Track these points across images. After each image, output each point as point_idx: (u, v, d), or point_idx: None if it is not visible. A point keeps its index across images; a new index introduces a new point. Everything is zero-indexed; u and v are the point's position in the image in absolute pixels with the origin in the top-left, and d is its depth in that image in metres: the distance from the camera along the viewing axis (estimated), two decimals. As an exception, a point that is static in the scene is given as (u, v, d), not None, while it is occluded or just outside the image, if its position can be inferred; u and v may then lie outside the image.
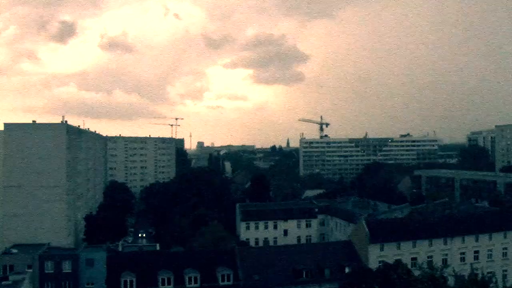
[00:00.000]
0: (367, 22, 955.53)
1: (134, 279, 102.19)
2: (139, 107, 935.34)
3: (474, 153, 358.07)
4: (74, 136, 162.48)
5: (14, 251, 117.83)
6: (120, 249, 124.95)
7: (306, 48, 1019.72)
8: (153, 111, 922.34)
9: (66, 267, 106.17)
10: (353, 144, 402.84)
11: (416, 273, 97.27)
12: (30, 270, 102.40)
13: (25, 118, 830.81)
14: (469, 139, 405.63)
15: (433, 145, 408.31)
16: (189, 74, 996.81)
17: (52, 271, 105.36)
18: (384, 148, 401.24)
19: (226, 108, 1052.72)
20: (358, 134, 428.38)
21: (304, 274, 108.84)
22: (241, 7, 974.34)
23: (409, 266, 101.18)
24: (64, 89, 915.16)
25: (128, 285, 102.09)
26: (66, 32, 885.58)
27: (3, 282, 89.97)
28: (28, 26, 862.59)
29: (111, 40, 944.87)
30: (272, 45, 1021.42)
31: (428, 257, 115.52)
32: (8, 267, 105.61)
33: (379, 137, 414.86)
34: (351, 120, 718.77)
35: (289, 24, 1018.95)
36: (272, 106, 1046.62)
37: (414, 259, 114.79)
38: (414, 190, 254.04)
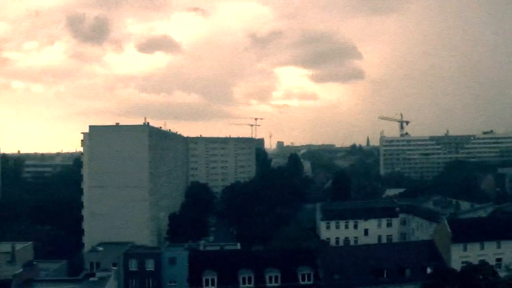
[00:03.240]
0: (438, 15, 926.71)
1: (215, 278, 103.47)
2: (205, 108, 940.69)
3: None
4: (156, 137, 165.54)
5: (100, 249, 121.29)
6: (201, 248, 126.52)
7: (372, 45, 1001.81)
8: (219, 112, 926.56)
9: (150, 265, 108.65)
10: (434, 142, 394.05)
11: (502, 274, 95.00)
12: (115, 268, 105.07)
13: (92, 121, 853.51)
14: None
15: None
16: (253, 73, 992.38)
17: (136, 269, 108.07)
18: (466, 146, 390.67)
19: (294, 107, 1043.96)
20: (439, 132, 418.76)
21: (384, 274, 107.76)
22: (307, 5, 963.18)
23: (494, 267, 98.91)
24: (125, 91, 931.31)
25: (210, 284, 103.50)
26: (124, 35, 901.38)
27: (90, 279, 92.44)
28: (82, 28, 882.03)
29: (170, 42, 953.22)
30: (334, 43, 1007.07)
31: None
32: (94, 264, 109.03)
33: (461, 134, 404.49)
34: (431, 118, 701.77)
35: (355, 21, 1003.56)
36: (343, 104, 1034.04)
37: (498, 260, 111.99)
38: (498, 189, 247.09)
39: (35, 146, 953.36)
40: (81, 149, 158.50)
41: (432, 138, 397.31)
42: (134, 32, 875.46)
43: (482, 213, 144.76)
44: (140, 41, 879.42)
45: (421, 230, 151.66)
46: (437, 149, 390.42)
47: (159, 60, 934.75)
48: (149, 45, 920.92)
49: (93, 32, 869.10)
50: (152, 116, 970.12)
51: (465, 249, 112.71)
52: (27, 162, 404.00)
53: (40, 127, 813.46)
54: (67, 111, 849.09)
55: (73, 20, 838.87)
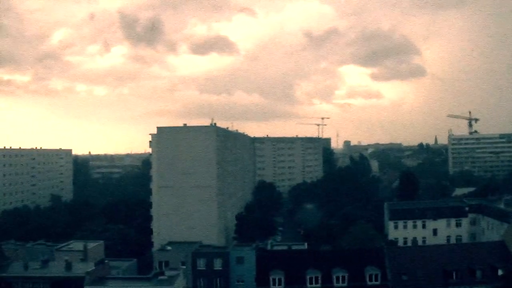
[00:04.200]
0: (505, 10, 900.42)
1: (282, 277, 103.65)
2: (268, 108, 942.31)
3: None
4: (223, 137, 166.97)
5: (169, 248, 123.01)
6: (269, 247, 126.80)
7: (437, 42, 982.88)
8: (282, 112, 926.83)
9: (217, 264, 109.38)
10: (504, 140, 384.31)
11: None
12: (184, 267, 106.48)
13: (155, 122, 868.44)
14: None
15: None
16: (314, 73, 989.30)
17: (204, 268, 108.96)
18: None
19: (358, 106, 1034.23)
20: (509, 129, 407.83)
21: (454, 276, 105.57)
22: (368, 2, 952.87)
23: None
24: (186, 92, 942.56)
25: (277, 283, 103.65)
26: (183, 36, 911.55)
27: (159, 277, 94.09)
28: (141, 31, 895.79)
29: (229, 43, 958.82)
30: (396, 40, 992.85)
31: None
32: (163, 263, 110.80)
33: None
34: (501, 115, 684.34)
35: (419, 18, 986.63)
36: (408, 103, 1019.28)
37: None
38: None
39: (105, 147, 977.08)
40: (149, 150, 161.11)
41: (502, 136, 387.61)
42: (193, 34, 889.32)
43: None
44: (199, 42, 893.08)
45: (492, 231, 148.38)
46: (508, 147, 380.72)
47: (219, 62, 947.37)
48: (208, 47, 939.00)
49: (152, 35, 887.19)
50: (214, 116, 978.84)
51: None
52: (97, 163, 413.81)
53: (107, 129, 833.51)
54: (131, 113, 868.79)
55: (131, 23, 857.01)
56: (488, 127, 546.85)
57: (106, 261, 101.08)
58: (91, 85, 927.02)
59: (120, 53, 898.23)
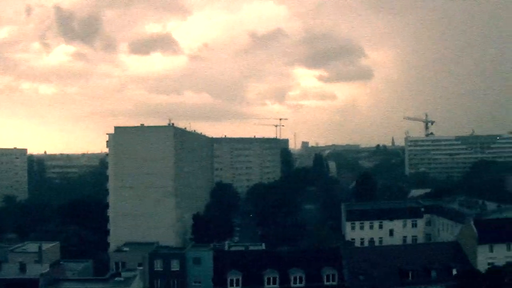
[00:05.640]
0: (462, 12, 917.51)
1: (240, 278, 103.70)
2: (219, 109, 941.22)
3: None
4: (181, 137, 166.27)
5: (126, 249, 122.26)
6: (226, 248, 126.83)
7: (389, 44, 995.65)
8: (234, 113, 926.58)
9: (175, 265, 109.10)
10: (459, 142, 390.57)
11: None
12: (141, 268, 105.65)
13: (105, 122, 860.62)
14: None
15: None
16: (266, 74, 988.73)
17: (161, 269, 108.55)
18: (492, 146, 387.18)
19: (311, 108, 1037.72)
20: (464, 132, 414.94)
21: (410, 275, 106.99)
22: (319, 6, 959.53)
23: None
24: (136, 92, 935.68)
25: (234, 284, 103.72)
26: (144, 38, 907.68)
27: (116, 278, 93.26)
28: (89, 29, 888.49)
29: (177, 43, 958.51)
30: (348, 43, 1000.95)
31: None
32: (120, 264, 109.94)
33: (487, 134, 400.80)
34: (457, 118, 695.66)
35: (371, 21, 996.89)
36: (363, 105, 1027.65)
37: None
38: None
39: (61, 147, 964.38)
40: (106, 149, 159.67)
41: (457, 138, 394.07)
42: (141, 33, 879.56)
43: (509, 214, 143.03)
44: (147, 42, 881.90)
45: (447, 231, 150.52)
46: (463, 149, 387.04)
47: (168, 61, 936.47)
48: (156, 46, 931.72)
49: (97, 33, 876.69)
50: (164, 116, 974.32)
51: (491, 250, 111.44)
52: (53, 163, 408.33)
53: (62, 128, 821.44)
54: (82, 112, 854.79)
55: (68, 21, 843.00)
56: (444, 129, 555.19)
57: (61, 262, 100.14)
58: (36, 83, 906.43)
59: (64, 51, 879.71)
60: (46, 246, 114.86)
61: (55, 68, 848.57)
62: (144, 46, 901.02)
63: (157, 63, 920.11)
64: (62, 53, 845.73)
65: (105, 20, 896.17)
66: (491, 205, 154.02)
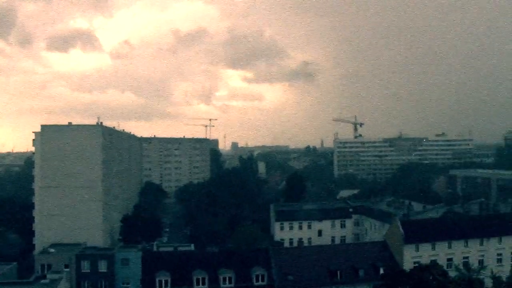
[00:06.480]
0: (390, 17, 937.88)
1: (169, 279, 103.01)
2: (147, 108, 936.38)
3: (511, 152, 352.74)
4: (109, 137, 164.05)
5: (52, 250, 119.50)
6: (155, 249, 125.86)
7: (316, 46, 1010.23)
8: (163, 112, 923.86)
9: (102, 266, 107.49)
10: (387, 144, 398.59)
11: (452, 274, 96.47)
12: (67, 269, 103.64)
13: (31, 119, 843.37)
14: (506, 139, 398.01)
15: (469, 145, 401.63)
16: (192, 74, 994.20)
17: (88, 271, 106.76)
18: (419, 148, 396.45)
19: (238, 108, 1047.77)
20: (392, 134, 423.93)
21: (338, 275, 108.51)
22: (254, 7, 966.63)
23: (445, 267, 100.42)
24: (58, 90, 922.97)
25: (163, 285, 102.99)
26: (67, 34, 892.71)
27: (41, 281, 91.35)
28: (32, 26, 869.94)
29: (98, 41, 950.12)
30: (275, 44, 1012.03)
31: (463, 258, 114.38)
32: (46, 266, 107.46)
33: (414, 136, 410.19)
34: (385, 120, 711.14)
35: (298, 23, 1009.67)
36: (292, 106, 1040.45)
37: (449, 260, 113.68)
38: (450, 190, 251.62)
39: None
40: (32, 148, 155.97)
41: (385, 140, 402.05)
42: (63, 30, 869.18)
43: (434, 214, 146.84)
44: (69, 39, 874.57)
45: (374, 231, 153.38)
46: (390, 151, 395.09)
47: (89, 59, 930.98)
48: (78, 44, 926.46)
49: (15, 28, 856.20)
50: (87, 115, 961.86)
51: (417, 250, 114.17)
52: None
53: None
54: (5, 110, 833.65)
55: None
56: (372, 131, 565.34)
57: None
58: None
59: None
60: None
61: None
62: (64, 43, 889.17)
63: (79, 60, 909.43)
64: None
65: (24, 14, 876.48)
66: (417, 206, 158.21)
